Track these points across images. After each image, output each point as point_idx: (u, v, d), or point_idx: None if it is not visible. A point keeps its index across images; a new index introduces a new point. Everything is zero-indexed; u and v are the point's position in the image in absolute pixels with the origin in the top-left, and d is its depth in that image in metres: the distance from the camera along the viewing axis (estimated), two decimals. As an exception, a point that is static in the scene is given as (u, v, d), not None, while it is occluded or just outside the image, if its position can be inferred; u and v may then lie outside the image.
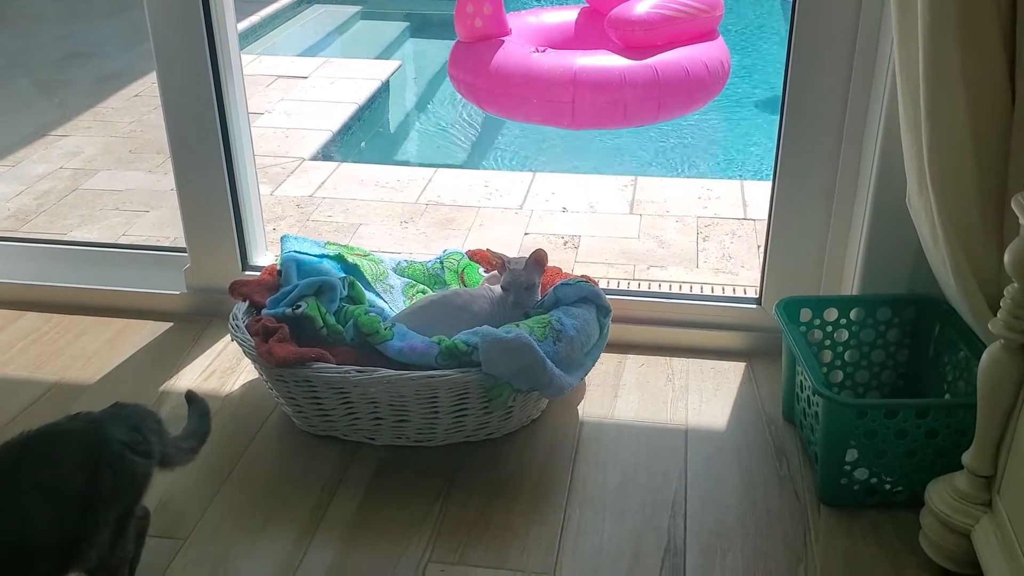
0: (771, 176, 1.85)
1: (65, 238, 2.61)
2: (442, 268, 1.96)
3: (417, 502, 1.54)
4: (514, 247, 2.57)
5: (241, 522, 1.51)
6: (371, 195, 2.95)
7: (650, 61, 2.98)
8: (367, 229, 2.70)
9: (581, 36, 3.42)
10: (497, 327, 1.63)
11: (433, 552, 1.44)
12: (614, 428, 1.72)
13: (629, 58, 2.98)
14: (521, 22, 3.35)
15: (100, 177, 3.08)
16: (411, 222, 2.76)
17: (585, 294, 1.71)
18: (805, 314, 1.70)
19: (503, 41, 3.07)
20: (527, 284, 1.73)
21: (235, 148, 1.98)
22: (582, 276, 1.78)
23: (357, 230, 2.70)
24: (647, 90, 2.95)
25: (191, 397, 1.46)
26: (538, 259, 1.75)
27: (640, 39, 3.07)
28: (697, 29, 3.16)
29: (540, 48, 3.06)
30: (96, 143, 3.40)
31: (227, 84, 1.93)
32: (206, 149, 1.95)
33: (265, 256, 2.12)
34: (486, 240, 2.59)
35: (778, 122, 1.79)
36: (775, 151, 1.82)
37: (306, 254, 1.87)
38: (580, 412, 1.76)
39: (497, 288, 1.78)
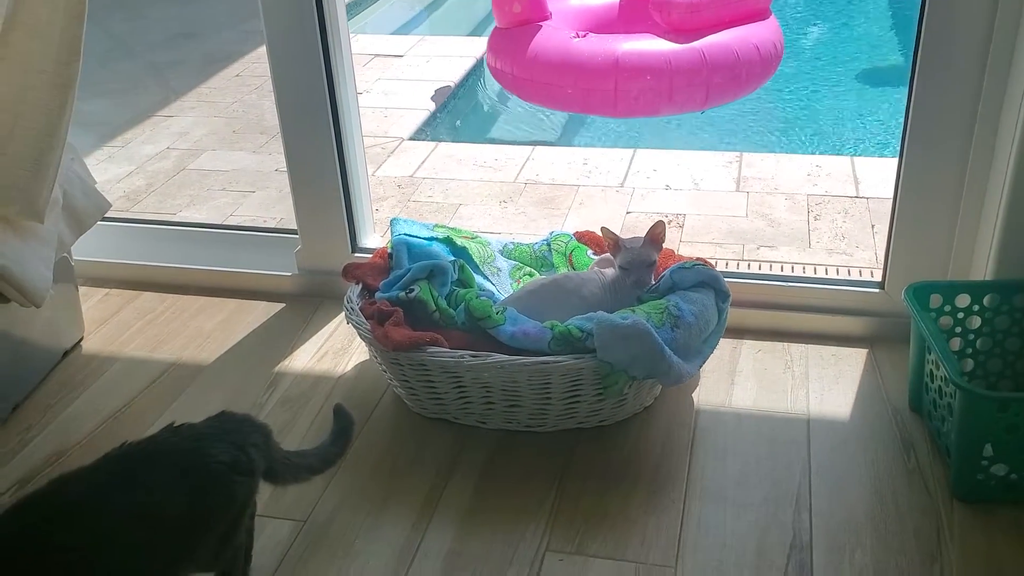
0: (897, 153, 1.77)
1: (175, 218, 2.67)
2: (550, 250, 1.93)
3: (531, 488, 1.53)
4: (616, 226, 2.52)
5: (359, 504, 1.52)
6: (469, 175, 2.94)
7: (697, 44, 2.86)
8: (467, 210, 2.69)
9: (624, 19, 3.29)
10: (612, 311, 1.59)
11: (550, 540, 1.42)
12: (732, 417, 1.68)
13: (675, 42, 2.86)
14: (562, 6, 3.25)
15: (206, 157, 3.14)
16: (510, 202, 2.73)
17: (703, 278, 1.66)
18: (935, 300, 1.62)
19: (542, 26, 2.97)
20: (648, 261, 1.68)
21: (344, 129, 1.98)
22: (698, 259, 1.73)
23: (457, 210, 2.69)
24: (694, 75, 2.82)
25: (337, 411, 1.46)
26: (656, 235, 1.70)
27: (686, 21, 2.93)
28: (747, 9, 3.01)
29: (581, 33, 2.95)
30: (201, 123, 3.46)
31: (336, 63, 1.92)
32: (316, 130, 1.95)
33: (373, 238, 2.13)
34: (587, 220, 2.55)
35: (907, 96, 1.71)
36: (903, 127, 1.73)
37: (416, 237, 1.86)
38: (695, 400, 1.72)
39: (608, 272, 1.74)
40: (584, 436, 1.64)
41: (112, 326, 2.02)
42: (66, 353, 1.92)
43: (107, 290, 2.15)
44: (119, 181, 2.92)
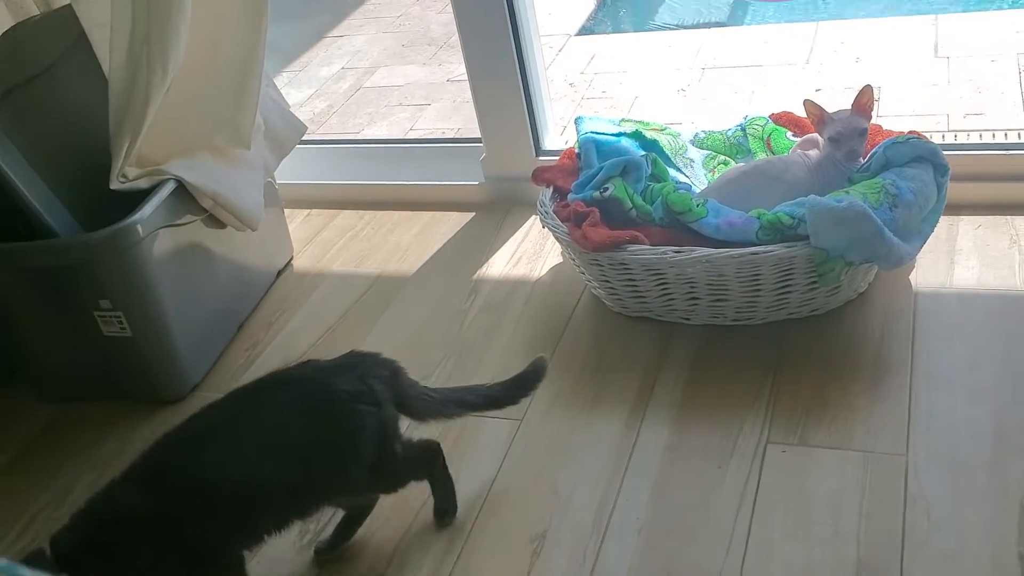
0: None
1: (359, 137, 2.74)
2: (745, 136, 1.85)
3: (745, 381, 1.50)
4: (807, 107, 2.39)
5: (571, 403, 1.55)
6: (642, 65, 2.85)
7: None
8: (645, 102, 2.62)
9: None
10: (821, 196, 1.51)
11: (771, 432, 1.40)
12: (955, 298, 1.58)
13: None
14: None
15: (380, 74, 3.18)
16: (689, 89, 2.64)
17: (920, 152, 1.55)
18: None
19: None
20: (859, 129, 1.57)
21: (521, 29, 1.95)
22: (911, 132, 1.62)
23: (634, 104, 2.62)
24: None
25: (534, 364, 1.38)
26: (864, 103, 1.59)
27: None
28: None
29: None
30: (371, 41, 3.50)
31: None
32: (494, 32, 1.93)
33: (556, 140, 2.10)
34: (773, 102, 2.43)
35: None
36: None
37: (603, 134, 1.83)
38: (913, 283, 1.63)
39: (813, 153, 1.66)
40: (796, 327, 1.59)
41: (317, 245, 2.12)
42: (279, 272, 2.03)
43: (308, 211, 2.24)
44: (302, 105, 3.01)
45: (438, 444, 1.36)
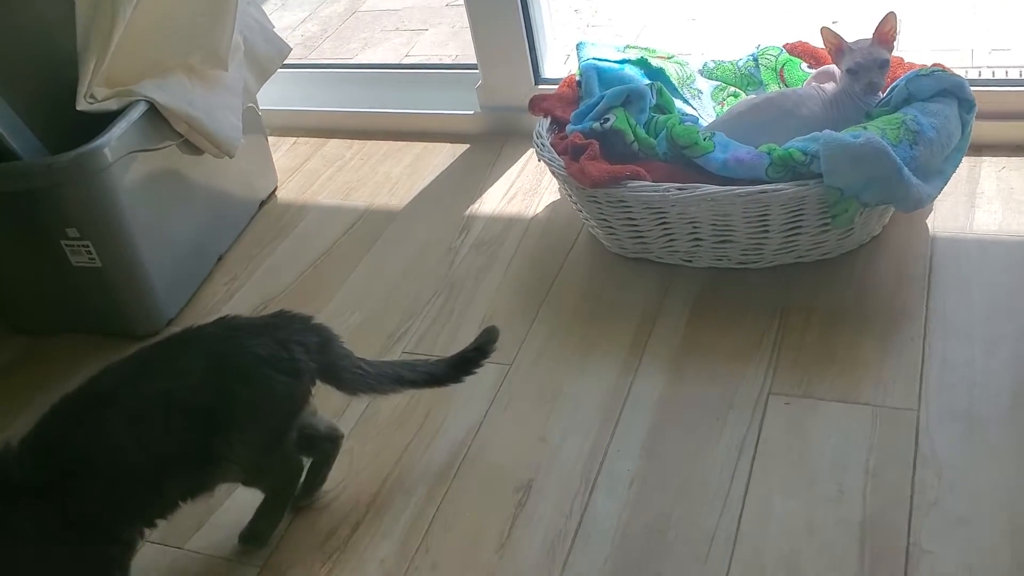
0: None
1: (352, 61, 2.61)
2: (757, 67, 1.73)
3: (747, 328, 1.42)
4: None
5: (563, 346, 1.47)
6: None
7: None
8: (653, 31, 2.48)
9: None
10: (837, 131, 1.41)
11: (773, 383, 1.32)
12: (975, 245, 1.49)
13: None
14: None
15: (375, -2, 3.04)
16: (700, 17, 2.50)
17: (945, 85, 1.44)
18: None
19: None
20: (880, 60, 1.47)
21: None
22: (935, 64, 1.50)
23: (641, 32, 2.49)
24: None
25: (485, 333, 1.29)
26: (885, 32, 1.48)
27: None
28: None
29: None
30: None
31: None
32: (493, -47, 1.81)
33: (557, 67, 1.99)
34: (789, 30, 2.30)
35: None
36: None
37: (606, 60, 1.71)
38: (930, 227, 1.53)
39: (829, 87, 1.55)
40: (805, 271, 1.50)
41: (303, 175, 2.02)
42: (262, 203, 1.93)
43: (295, 139, 2.13)
44: (294, 28, 2.88)
45: (339, 439, 1.28)
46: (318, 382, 1.18)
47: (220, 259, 1.80)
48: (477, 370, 1.28)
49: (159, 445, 1.09)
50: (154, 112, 1.55)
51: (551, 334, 1.49)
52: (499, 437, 1.33)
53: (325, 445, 1.27)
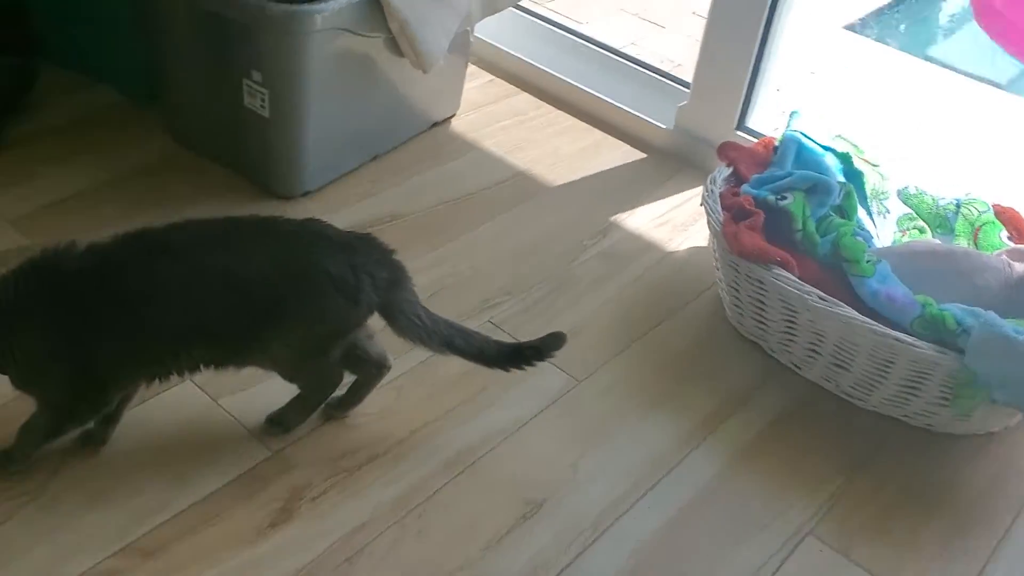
0: None
1: (577, 29, 2.59)
2: (956, 213, 1.63)
3: (820, 461, 1.36)
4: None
5: (638, 390, 1.44)
6: (891, 86, 2.58)
7: None
8: (873, 124, 2.37)
9: None
10: (1003, 316, 1.32)
11: (816, 525, 1.26)
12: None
13: None
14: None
15: (630, -24, 3.00)
16: (925, 135, 2.37)
17: None
18: None
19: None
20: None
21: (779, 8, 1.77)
22: None
23: (856, 120, 2.38)
24: None
25: (549, 338, 1.25)
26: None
27: None
28: None
29: None
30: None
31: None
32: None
33: (763, 121, 1.92)
34: (1008, 191, 2.16)
35: None
36: None
37: (811, 139, 1.65)
38: (1052, 451, 1.43)
39: (1019, 268, 1.45)
40: (903, 432, 1.42)
41: (483, 114, 2.02)
42: (435, 124, 1.95)
43: (492, 77, 2.14)
44: (541, -28, 2.87)
45: (384, 369, 1.29)
46: (376, 314, 1.19)
47: (374, 158, 1.83)
48: (526, 367, 1.25)
49: (199, 311, 1.10)
50: (376, 3, 1.57)
51: (631, 372, 1.46)
52: (535, 445, 1.32)
53: (371, 369, 1.29)
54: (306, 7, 1.49)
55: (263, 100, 1.59)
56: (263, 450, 1.26)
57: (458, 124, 1.98)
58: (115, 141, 1.78)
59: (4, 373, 1.11)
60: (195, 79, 1.69)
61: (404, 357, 1.36)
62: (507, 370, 1.25)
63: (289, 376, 1.22)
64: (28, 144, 1.75)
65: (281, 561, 1.13)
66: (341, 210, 1.70)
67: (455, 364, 1.39)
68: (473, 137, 1.95)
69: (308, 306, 1.13)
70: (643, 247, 1.72)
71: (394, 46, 1.68)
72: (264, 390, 1.30)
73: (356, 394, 1.30)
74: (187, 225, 1.14)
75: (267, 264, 1.11)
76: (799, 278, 1.41)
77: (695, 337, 1.55)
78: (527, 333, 1.46)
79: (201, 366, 1.16)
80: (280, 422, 1.27)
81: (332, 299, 1.13)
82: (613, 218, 1.78)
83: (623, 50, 2.53)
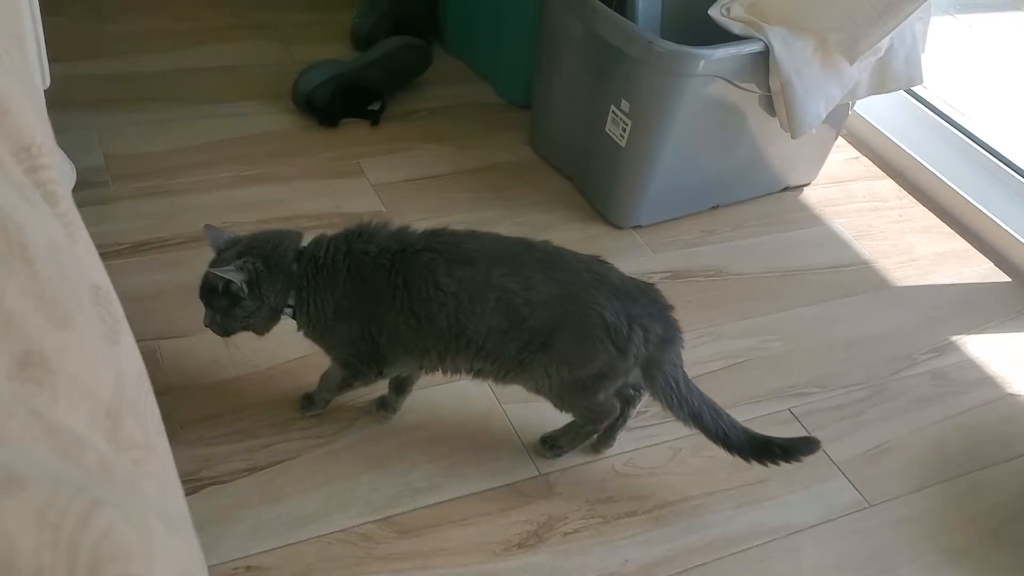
0: None
1: (966, 124, 2.38)
2: None
3: None
4: None
5: (932, 535, 1.28)
6: None
7: None
8: None
9: None
10: None
11: None
12: None
13: None
14: None
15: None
16: None
17: None
18: None
19: None
20: None
21: None
22: None
23: None
24: None
25: (802, 442, 1.18)
26: None
27: None
28: None
29: None
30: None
31: None
32: None
33: None
34: None
35: None
36: None
37: None
38: None
39: None
40: None
41: (841, 190, 1.92)
42: (786, 188, 1.88)
43: (859, 154, 2.03)
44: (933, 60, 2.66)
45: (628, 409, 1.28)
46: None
47: (714, 208, 1.79)
48: (769, 464, 1.17)
49: (471, 323, 1.11)
50: (762, 57, 1.53)
51: (933, 512, 1.31)
52: (805, 556, 1.22)
53: (628, 410, 1.29)
54: (693, 50, 1.48)
55: (624, 129, 1.60)
56: (531, 468, 1.27)
57: (811, 194, 1.89)
58: (481, 136, 1.89)
59: (295, 319, 1.19)
60: (567, 96, 1.74)
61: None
62: (748, 461, 1.19)
63: (557, 406, 1.23)
64: (410, 119, 1.90)
65: (518, 583, 1.13)
66: (664, 251, 1.68)
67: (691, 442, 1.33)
68: (823, 212, 1.85)
69: (576, 347, 1.12)
70: (981, 379, 1.54)
71: (767, 103, 1.63)
72: (547, 407, 1.30)
73: (611, 434, 1.30)
74: (485, 237, 1.17)
75: (547, 296, 1.11)
76: None
77: (1017, 496, 1.36)
78: (828, 434, 1.38)
79: (463, 372, 1.19)
80: (553, 445, 1.28)
81: (601, 345, 1.11)
82: (955, 338, 1.61)
83: (1012, 158, 2.29)
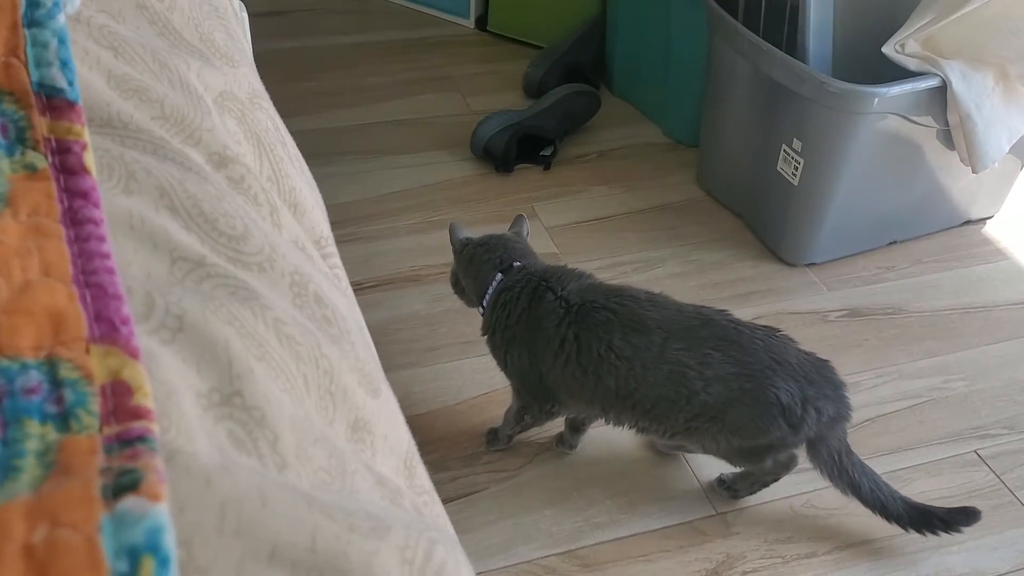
0: None
1: None
2: None
3: None
4: None
5: None
6: None
7: None
8: None
9: None
10: None
11: None
12: None
13: None
14: None
15: None
16: None
17: None
18: None
19: None
20: None
21: None
22: None
23: None
24: None
25: (963, 512, 1.19)
26: None
27: None
28: None
29: None
30: None
31: None
32: None
33: None
34: None
35: None
36: None
37: None
38: None
39: None
40: None
41: (1026, 222, 1.85)
42: (967, 222, 1.83)
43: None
44: None
45: (788, 470, 1.28)
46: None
47: (891, 243, 1.77)
48: (928, 534, 1.18)
49: (642, 389, 1.14)
50: (939, 92, 1.51)
51: None
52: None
53: (780, 472, 1.28)
54: (868, 88, 1.48)
55: (796, 168, 1.61)
56: (708, 507, 1.30)
57: (994, 227, 1.83)
58: (649, 176, 1.94)
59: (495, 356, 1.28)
60: (736, 135, 1.76)
61: (867, 458, 1.31)
62: (906, 530, 1.20)
63: (727, 462, 1.26)
64: (580, 162, 1.97)
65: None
66: (841, 289, 1.67)
67: (923, 484, 1.32)
68: (1008, 245, 1.79)
69: (749, 424, 1.14)
70: None
71: (946, 137, 1.60)
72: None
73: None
74: (665, 306, 1.17)
75: (723, 373, 1.12)
76: None
77: None
78: (1018, 477, 1.33)
79: (626, 426, 1.22)
80: (730, 487, 1.30)
81: (775, 423, 1.13)
82: None
83: None
